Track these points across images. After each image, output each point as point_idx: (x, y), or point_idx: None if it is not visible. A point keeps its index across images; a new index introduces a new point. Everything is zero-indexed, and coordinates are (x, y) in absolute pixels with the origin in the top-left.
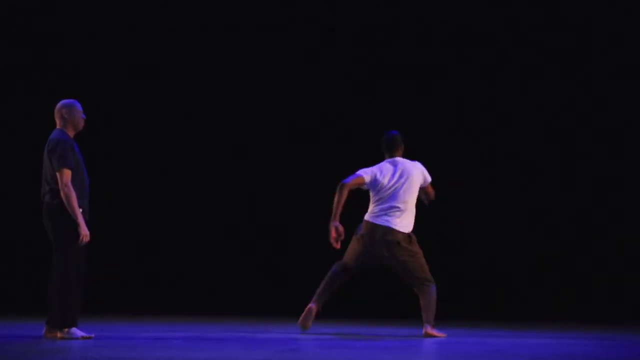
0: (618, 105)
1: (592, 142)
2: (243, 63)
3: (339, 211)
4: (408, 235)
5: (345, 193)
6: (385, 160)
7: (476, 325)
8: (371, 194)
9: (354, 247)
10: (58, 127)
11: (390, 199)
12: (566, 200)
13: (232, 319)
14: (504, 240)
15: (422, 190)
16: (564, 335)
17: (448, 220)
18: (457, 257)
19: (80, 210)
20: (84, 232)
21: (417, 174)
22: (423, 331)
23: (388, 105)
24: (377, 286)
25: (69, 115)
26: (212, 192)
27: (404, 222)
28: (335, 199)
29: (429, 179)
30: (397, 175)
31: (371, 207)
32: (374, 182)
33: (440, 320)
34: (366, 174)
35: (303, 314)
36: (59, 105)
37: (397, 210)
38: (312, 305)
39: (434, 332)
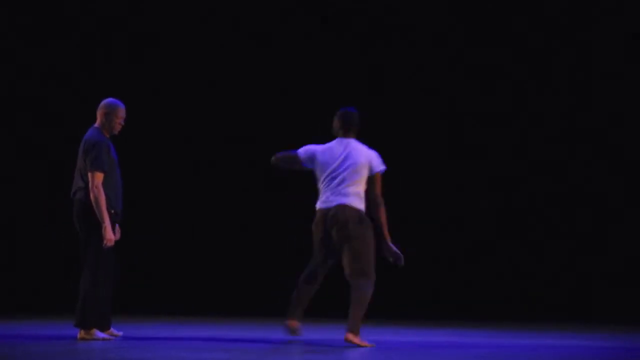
0: None
1: None
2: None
3: None
4: (360, 214)
5: (274, 163)
6: (335, 139)
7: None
8: (317, 177)
9: (314, 241)
10: (96, 124)
11: (336, 182)
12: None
13: (258, 320)
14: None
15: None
16: (567, 335)
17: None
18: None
19: (113, 212)
20: (109, 236)
21: (363, 161)
22: (345, 337)
23: None
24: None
25: (107, 118)
26: (227, 192)
27: (355, 202)
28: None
29: (378, 168)
30: (343, 156)
31: (320, 195)
32: (314, 161)
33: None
34: (303, 151)
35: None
36: (102, 103)
37: (345, 194)
38: (293, 322)
39: (357, 340)
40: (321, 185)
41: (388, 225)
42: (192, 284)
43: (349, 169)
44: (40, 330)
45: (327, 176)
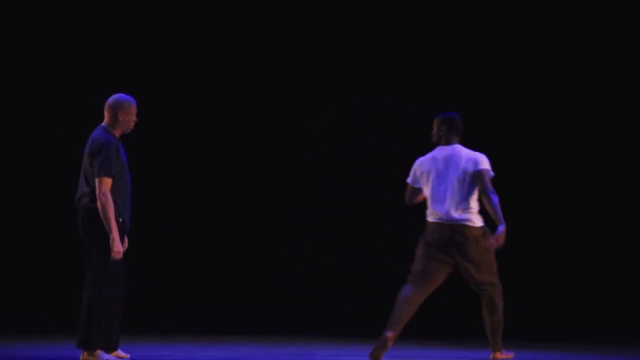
0: None
1: None
2: None
3: None
4: (481, 229)
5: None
6: (437, 148)
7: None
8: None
9: (419, 255)
10: (105, 123)
11: (444, 193)
12: None
13: (279, 339)
14: None
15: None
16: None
17: None
18: None
19: (121, 220)
20: (117, 248)
21: (467, 163)
22: (492, 356)
23: None
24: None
25: (124, 117)
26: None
27: (473, 217)
28: None
29: (482, 167)
30: (445, 164)
31: (429, 206)
32: (420, 179)
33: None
34: (411, 178)
35: (376, 344)
36: (115, 101)
37: (460, 207)
38: (388, 334)
39: (503, 355)
40: (431, 196)
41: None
42: (204, 299)
43: (457, 174)
44: (40, 351)
45: (437, 188)
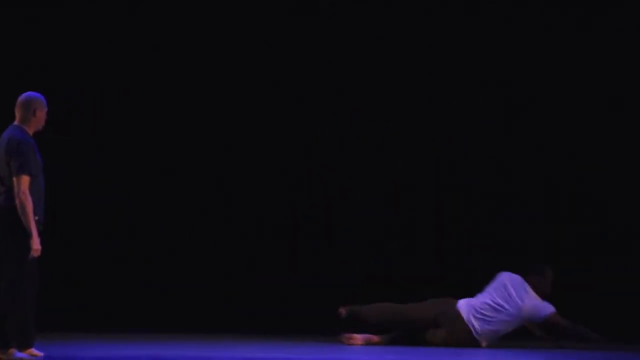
0: None
1: None
2: None
3: None
4: None
5: None
6: None
7: None
8: None
9: None
10: (17, 122)
11: None
12: None
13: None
14: None
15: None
16: None
17: None
18: None
19: (36, 218)
20: (36, 246)
21: None
22: None
23: None
24: None
25: (40, 112)
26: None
27: None
28: None
29: None
30: None
31: None
32: None
33: None
34: None
35: None
36: (29, 97)
37: None
38: None
39: None
40: None
41: None
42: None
43: None
44: None
45: None
